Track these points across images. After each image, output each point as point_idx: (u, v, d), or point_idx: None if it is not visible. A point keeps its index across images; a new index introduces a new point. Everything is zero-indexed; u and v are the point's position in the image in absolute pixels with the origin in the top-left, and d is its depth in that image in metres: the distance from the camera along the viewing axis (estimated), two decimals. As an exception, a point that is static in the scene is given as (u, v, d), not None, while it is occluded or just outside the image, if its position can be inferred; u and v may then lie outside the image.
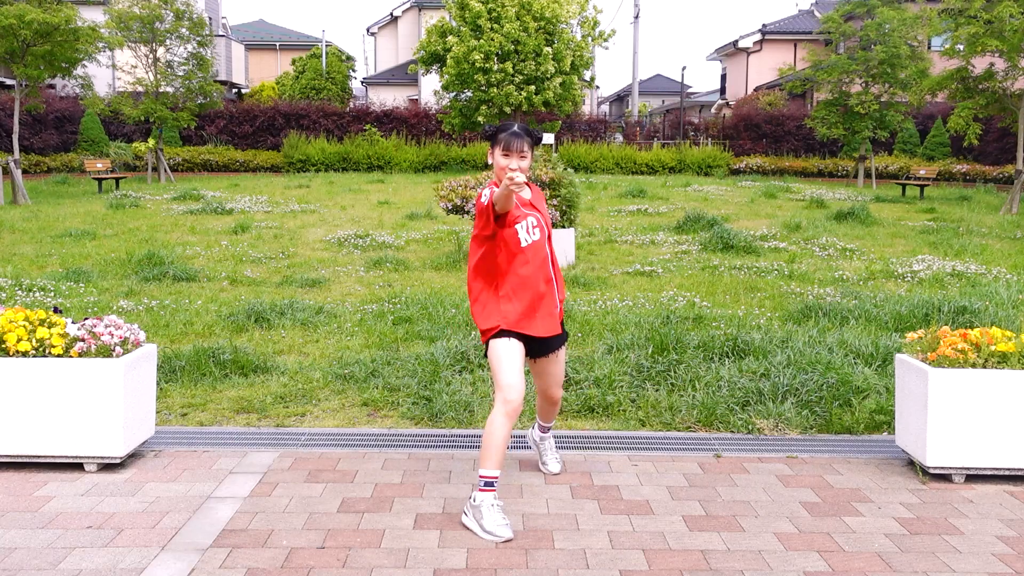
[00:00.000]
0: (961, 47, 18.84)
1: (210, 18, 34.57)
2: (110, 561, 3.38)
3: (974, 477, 4.31)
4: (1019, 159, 18.76)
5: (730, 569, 3.38)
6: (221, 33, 40.72)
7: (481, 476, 3.69)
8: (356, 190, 21.48)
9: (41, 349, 4.23)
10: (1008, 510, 3.97)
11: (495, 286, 3.86)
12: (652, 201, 18.84)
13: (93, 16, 26.17)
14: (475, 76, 25.24)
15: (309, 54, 41.65)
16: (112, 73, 30.18)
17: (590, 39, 26.74)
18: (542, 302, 3.84)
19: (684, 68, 42.04)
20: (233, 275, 9.83)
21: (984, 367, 4.24)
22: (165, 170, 25.68)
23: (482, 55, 24.71)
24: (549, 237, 3.93)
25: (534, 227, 3.82)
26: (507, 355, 3.76)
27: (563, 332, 4.04)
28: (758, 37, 42.46)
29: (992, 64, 19.13)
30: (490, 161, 3.88)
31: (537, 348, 3.95)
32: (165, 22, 25.05)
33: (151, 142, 25.41)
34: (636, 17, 38.71)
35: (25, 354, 4.20)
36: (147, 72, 25.53)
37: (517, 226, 3.79)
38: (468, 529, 3.65)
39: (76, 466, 4.30)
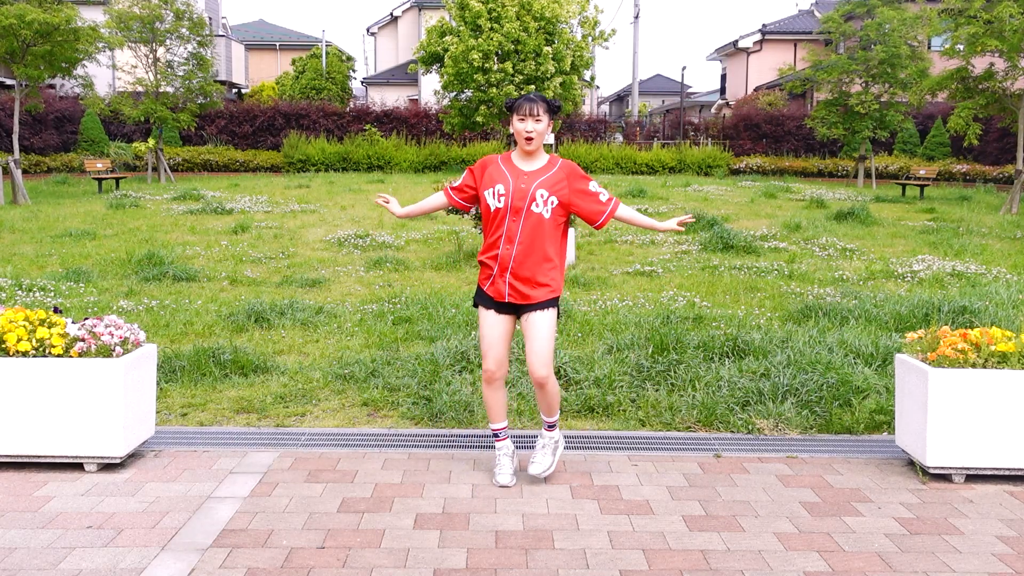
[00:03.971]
0: (961, 47, 18.84)
1: (210, 18, 34.57)
2: (110, 561, 3.38)
3: (974, 477, 4.31)
4: (1019, 159, 18.76)
5: (730, 569, 3.38)
6: (221, 33, 40.70)
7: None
8: (356, 190, 21.47)
9: (41, 349, 4.23)
10: (1008, 510, 3.97)
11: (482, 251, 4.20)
12: (652, 201, 18.83)
13: (93, 16, 26.16)
14: (474, 76, 25.22)
15: (309, 54, 41.61)
16: (112, 73, 30.18)
17: (590, 39, 26.69)
18: (502, 264, 4.04)
19: (684, 68, 42.02)
20: (233, 275, 9.83)
21: (984, 367, 4.24)
22: (165, 170, 25.67)
23: (481, 55, 24.69)
24: (522, 209, 3.99)
25: (500, 195, 4.03)
26: (483, 325, 4.14)
27: (539, 302, 4.05)
28: (758, 37, 42.45)
29: (992, 64, 19.13)
30: (511, 129, 4.12)
31: (515, 308, 4.13)
32: (165, 22, 25.03)
33: (151, 142, 25.39)
34: (636, 17, 38.71)
35: (25, 354, 4.20)
36: (147, 72, 25.52)
37: (484, 192, 4.09)
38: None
39: (76, 466, 4.30)
